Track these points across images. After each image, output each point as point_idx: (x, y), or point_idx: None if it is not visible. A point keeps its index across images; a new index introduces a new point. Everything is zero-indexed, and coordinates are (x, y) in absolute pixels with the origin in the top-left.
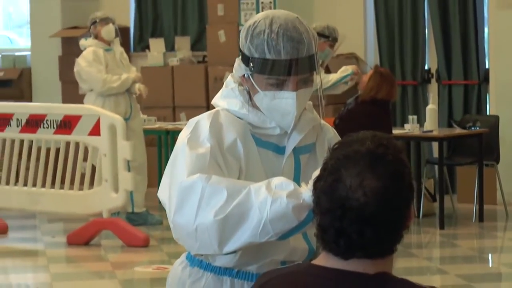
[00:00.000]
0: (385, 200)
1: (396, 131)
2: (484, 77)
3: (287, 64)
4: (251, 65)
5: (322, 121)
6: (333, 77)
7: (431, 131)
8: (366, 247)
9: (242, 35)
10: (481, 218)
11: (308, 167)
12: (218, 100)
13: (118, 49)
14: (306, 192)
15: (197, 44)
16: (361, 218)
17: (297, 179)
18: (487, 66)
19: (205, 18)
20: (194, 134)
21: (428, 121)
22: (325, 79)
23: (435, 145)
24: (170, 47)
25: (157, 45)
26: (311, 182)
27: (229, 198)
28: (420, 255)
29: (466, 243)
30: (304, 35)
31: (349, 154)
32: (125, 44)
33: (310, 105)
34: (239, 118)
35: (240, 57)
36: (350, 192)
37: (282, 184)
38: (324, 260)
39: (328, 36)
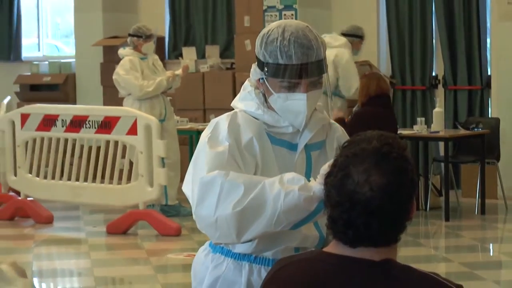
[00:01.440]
0: (389, 194)
1: (405, 132)
2: (487, 83)
3: (298, 68)
4: (266, 69)
5: (331, 121)
6: None
7: (438, 131)
8: (372, 237)
9: (258, 42)
10: (483, 211)
11: (318, 162)
12: (236, 103)
13: (152, 56)
14: (316, 185)
15: (226, 52)
16: (367, 211)
17: (308, 173)
18: (489, 73)
19: (233, 28)
20: (214, 133)
21: (435, 123)
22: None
23: (441, 144)
24: (201, 55)
25: (189, 53)
26: (320, 176)
27: (246, 192)
28: (427, 245)
29: (469, 234)
30: (313, 42)
31: (357, 152)
32: (160, 52)
33: (320, 105)
34: (255, 118)
35: (256, 62)
36: (358, 187)
37: (293, 178)
38: (334, 248)
39: (362, 36)
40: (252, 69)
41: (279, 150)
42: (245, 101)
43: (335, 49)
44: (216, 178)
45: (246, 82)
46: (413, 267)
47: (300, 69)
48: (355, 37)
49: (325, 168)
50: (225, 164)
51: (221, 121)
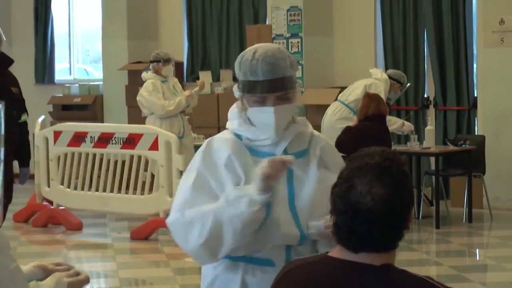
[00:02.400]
0: (390, 205)
1: (400, 147)
2: (473, 104)
3: (263, 83)
4: (240, 86)
5: (316, 132)
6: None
7: (429, 147)
8: (373, 243)
9: (236, 64)
10: (470, 219)
11: (300, 169)
12: (228, 122)
13: (172, 79)
14: (258, 195)
15: None
16: (369, 219)
17: (290, 179)
18: (475, 95)
19: None
20: (189, 167)
21: (427, 140)
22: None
23: (432, 159)
24: (216, 78)
25: (205, 76)
26: (258, 180)
27: (202, 225)
28: (420, 250)
29: (457, 240)
30: (280, 61)
31: (361, 166)
32: (179, 75)
33: (304, 119)
34: (237, 135)
35: (236, 84)
36: (361, 197)
37: (238, 197)
38: (338, 252)
39: (402, 83)
40: (233, 89)
41: (261, 161)
42: (231, 120)
43: (374, 79)
44: (176, 221)
45: (235, 104)
46: (409, 271)
47: (266, 85)
48: (396, 81)
49: (257, 172)
50: (189, 197)
51: (197, 153)
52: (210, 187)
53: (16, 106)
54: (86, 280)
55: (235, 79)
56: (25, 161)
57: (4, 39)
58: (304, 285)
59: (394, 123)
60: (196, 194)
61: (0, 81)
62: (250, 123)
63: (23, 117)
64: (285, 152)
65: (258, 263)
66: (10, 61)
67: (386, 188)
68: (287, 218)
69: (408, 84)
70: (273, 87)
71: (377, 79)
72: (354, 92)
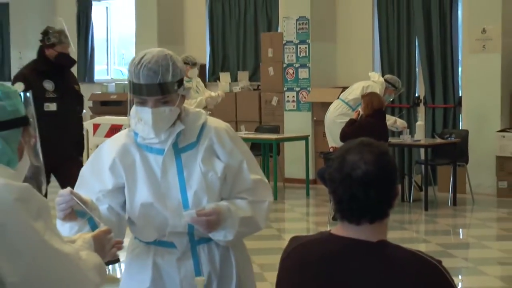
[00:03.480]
0: (380, 166)
1: (394, 140)
2: (458, 102)
3: (142, 87)
4: (128, 86)
5: (209, 122)
6: (388, 120)
7: (419, 140)
8: (371, 208)
9: (128, 65)
10: (454, 203)
11: (190, 160)
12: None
13: (196, 79)
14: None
15: (253, 76)
16: (365, 182)
17: (179, 170)
18: (460, 94)
19: (259, 58)
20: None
21: (417, 133)
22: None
23: (422, 150)
24: (234, 78)
25: (225, 77)
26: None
27: None
28: (410, 229)
29: (443, 221)
30: (161, 68)
31: (349, 146)
32: (202, 76)
33: (196, 113)
34: (135, 132)
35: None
36: (354, 165)
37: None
38: (340, 230)
39: (396, 87)
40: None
41: (150, 156)
42: (131, 119)
43: (371, 82)
44: None
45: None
46: (402, 246)
47: (145, 88)
48: (391, 85)
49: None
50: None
51: (90, 156)
52: (90, 186)
53: (79, 102)
54: (108, 231)
55: (251, 79)
56: (80, 150)
57: (71, 43)
58: (309, 263)
59: (387, 120)
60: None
61: (66, 79)
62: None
63: (83, 112)
64: (175, 146)
65: (165, 246)
66: (73, 62)
67: (374, 155)
68: (177, 208)
69: (402, 90)
70: (151, 91)
71: (374, 82)
72: (354, 92)
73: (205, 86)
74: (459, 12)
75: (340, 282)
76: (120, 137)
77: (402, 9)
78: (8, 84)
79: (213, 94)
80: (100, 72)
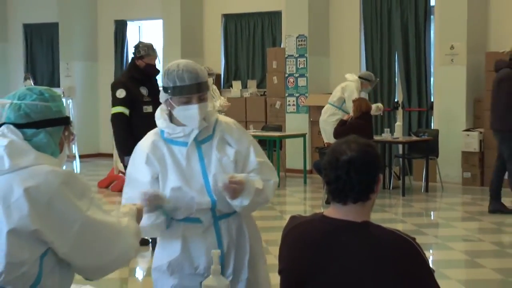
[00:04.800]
0: (363, 153)
1: (377, 137)
2: (430, 107)
3: (188, 87)
4: (169, 91)
5: (220, 118)
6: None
7: (398, 138)
8: (354, 190)
9: (162, 75)
10: (427, 190)
11: (208, 150)
12: (157, 121)
13: (212, 86)
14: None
15: (261, 84)
16: (349, 166)
17: (201, 159)
18: (432, 100)
19: (266, 69)
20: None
21: (396, 132)
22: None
23: (400, 146)
24: (244, 85)
25: (236, 84)
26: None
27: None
28: (390, 211)
29: (417, 205)
30: (198, 71)
31: (343, 140)
32: (217, 83)
33: (212, 111)
34: (162, 130)
35: (162, 90)
36: (343, 152)
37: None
38: (331, 212)
39: (370, 80)
40: (160, 95)
41: (175, 148)
42: (157, 120)
43: (348, 82)
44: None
45: (158, 108)
46: (383, 226)
47: (190, 87)
48: (364, 79)
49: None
50: (124, 193)
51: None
52: (141, 182)
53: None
54: (142, 209)
55: (258, 86)
56: None
57: (158, 56)
58: (306, 240)
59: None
60: (128, 189)
61: (155, 86)
62: (171, 120)
63: None
64: (195, 139)
65: (190, 222)
66: (158, 71)
67: (359, 145)
68: (201, 189)
69: (377, 81)
70: (196, 89)
71: (350, 81)
72: (336, 94)
73: (220, 92)
74: (432, 31)
75: (331, 256)
76: (148, 137)
77: (384, 28)
78: (58, 89)
79: (224, 101)
80: None
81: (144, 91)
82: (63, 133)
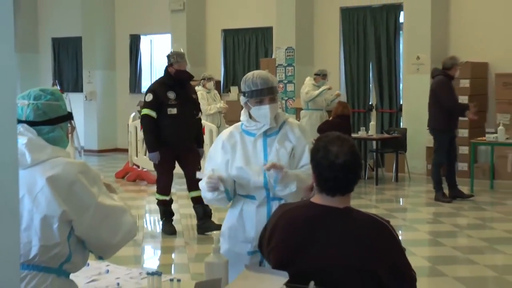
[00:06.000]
0: (354, 158)
1: (354, 135)
2: (400, 108)
3: (261, 90)
4: (246, 95)
5: (290, 120)
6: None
7: (372, 135)
8: (345, 186)
9: (242, 83)
10: (397, 180)
11: (271, 142)
12: (241, 117)
13: (213, 91)
14: (210, 193)
15: None
16: (345, 168)
17: (265, 149)
18: (401, 103)
19: None
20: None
21: (371, 130)
22: (309, 94)
23: (374, 142)
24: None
25: (234, 89)
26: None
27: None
28: (366, 198)
29: (389, 192)
30: (269, 78)
31: (331, 139)
32: (218, 88)
33: (282, 113)
34: (242, 123)
35: (242, 94)
36: (337, 156)
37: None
38: (318, 199)
39: (319, 74)
40: (240, 99)
41: (247, 137)
42: (242, 116)
43: (305, 82)
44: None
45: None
46: (362, 211)
47: (262, 91)
48: (316, 75)
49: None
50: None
51: (215, 140)
52: (216, 162)
53: (196, 107)
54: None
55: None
56: (200, 143)
57: (187, 62)
58: (297, 223)
59: (331, 94)
60: (207, 165)
61: (186, 90)
62: (249, 116)
63: (199, 115)
64: (264, 133)
65: (249, 198)
66: (190, 76)
67: (348, 147)
68: (258, 171)
69: (326, 72)
70: (267, 91)
71: (307, 82)
72: (301, 96)
73: (220, 96)
74: (401, 44)
75: (318, 237)
76: (230, 128)
77: (360, 42)
78: (81, 94)
79: (223, 104)
80: (145, 85)
81: (171, 95)
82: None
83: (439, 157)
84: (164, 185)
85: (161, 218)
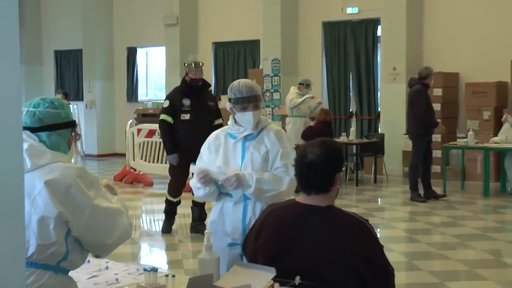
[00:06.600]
0: (323, 158)
1: (336, 139)
2: (378, 115)
3: (245, 98)
4: (232, 101)
5: (270, 126)
6: (297, 100)
7: (352, 140)
8: (315, 184)
9: (228, 90)
10: (375, 181)
11: (249, 145)
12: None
13: None
14: (201, 186)
15: None
16: (311, 167)
17: (243, 153)
18: (379, 110)
19: None
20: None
21: (351, 135)
22: (293, 101)
23: (354, 147)
24: None
25: (224, 98)
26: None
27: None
28: (347, 198)
29: (368, 193)
30: (254, 87)
31: (314, 142)
32: None
33: (264, 119)
34: (228, 127)
35: (228, 101)
36: (308, 155)
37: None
38: (302, 199)
39: (302, 84)
40: (226, 105)
41: (231, 140)
42: (229, 120)
43: (290, 91)
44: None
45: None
46: (343, 209)
47: (246, 99)
48: (300, 84)
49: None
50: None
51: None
52: (204, 161)
53: (211, 114)
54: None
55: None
56: None
57: (202, 71)
58: (284, 220)
59: (312, 101)
60: (197, 162)
61: (201, 97)
62: (235, 122)
63: (217, 121)
64: (244, 137)
65: (228, 196)
66: (207, 85)
67: (321, 149)
68: (235, 171)
69: (309, 81)
70: (250, 100)
71: (291, 90)
72: (286, 104)
73: None
74: (378, 56)
75: (302, 234)
76: (217, 131)
77: (341, 53)
78: (82, 103)
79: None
80: (142, 94)
81: (186, 102)
82: (70, 134)
83: (417, 160)
84: (173, 188)
85: (164, 212)
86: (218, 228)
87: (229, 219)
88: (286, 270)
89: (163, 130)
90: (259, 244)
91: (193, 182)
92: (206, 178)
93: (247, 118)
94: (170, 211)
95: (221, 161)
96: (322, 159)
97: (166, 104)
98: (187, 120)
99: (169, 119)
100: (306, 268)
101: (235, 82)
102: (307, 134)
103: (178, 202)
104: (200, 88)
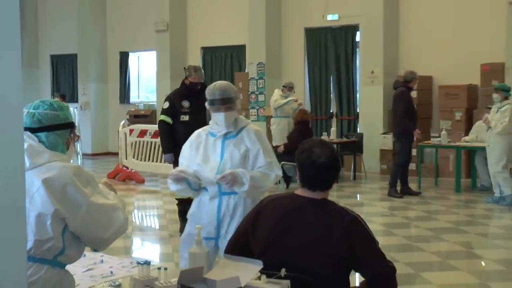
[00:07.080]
0: (333, 160)
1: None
2: (357, 116)
3: (218, 99)
4: (208, 102)
5: (249, 126)
6: (281, 101)
7: (333, 139)
8: (325, 183)
9: (206, 91)
10: (354, 178)
11: (228, 144)
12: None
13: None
14: (174, 185)
15: None
16: (325, 168)
17: (222, 151)
18: (358, 111)
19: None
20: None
21: (332, 135)
22: (277, 102)
23: (335, 146)
24: None
25: None
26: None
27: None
28: (330, 194)
29: (348, 189)
30: (227, 89)
31: (314, 143)
32: None
33: (242, 118)
34: (209, 126)
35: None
36: (319, 157)
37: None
38: (301, 192)
39: (286, 86)
40: (206, 104)
41: (210, 138)
42: (210, 121)
43: (275, 93)
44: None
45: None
46: (336, 203)
47: (219, 100)
48: (283, 86)
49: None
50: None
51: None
52: (186, 158)
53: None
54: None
55: None
56: None
57: (202, 75)
58: (282, 210)
59: (293, 103)
60: (180, 159)
61: (201, 99)
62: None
63: None
64: (224, 135)
65: (206, 190)
66: (200, 87)
67: (329, 150)
68: (212, 168)
69: (291, 84)
70: (222, 101)
71: (275, 92)
72: (270, 106)
73: None
74: (357, 59)
75: (296, 224)
76: (199, 130)
77: (322, 57)
78: (77, 104)
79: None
80: (134, 96)
81: (185, 103)
82: (69, 135)
83: (402, 158)
84: None
85: (178, 216)
86: (197, 220)
87: (205, 212)
88: (278, 259)
89: (162, 130)
90: (257, 234)
91: (168, 179)
92: (178, 177)
93: (220, 118)
94: (184, 212)
95: (201, 158)
96: (333, 160)
97: (166, 105)
98: (187, 121)
99: (168, 119)
100: (296, 257)
101: (212, 85)
102: (290, 135)
103: (188, 199)
104: (199, 91)
